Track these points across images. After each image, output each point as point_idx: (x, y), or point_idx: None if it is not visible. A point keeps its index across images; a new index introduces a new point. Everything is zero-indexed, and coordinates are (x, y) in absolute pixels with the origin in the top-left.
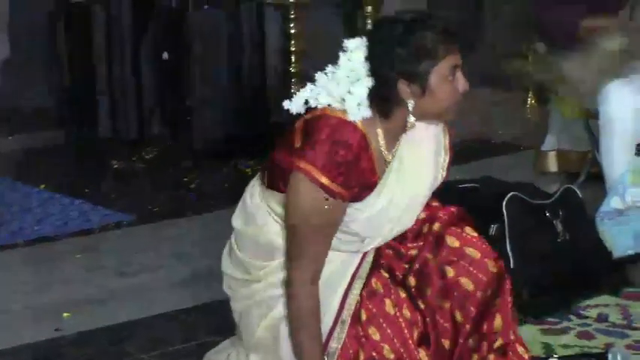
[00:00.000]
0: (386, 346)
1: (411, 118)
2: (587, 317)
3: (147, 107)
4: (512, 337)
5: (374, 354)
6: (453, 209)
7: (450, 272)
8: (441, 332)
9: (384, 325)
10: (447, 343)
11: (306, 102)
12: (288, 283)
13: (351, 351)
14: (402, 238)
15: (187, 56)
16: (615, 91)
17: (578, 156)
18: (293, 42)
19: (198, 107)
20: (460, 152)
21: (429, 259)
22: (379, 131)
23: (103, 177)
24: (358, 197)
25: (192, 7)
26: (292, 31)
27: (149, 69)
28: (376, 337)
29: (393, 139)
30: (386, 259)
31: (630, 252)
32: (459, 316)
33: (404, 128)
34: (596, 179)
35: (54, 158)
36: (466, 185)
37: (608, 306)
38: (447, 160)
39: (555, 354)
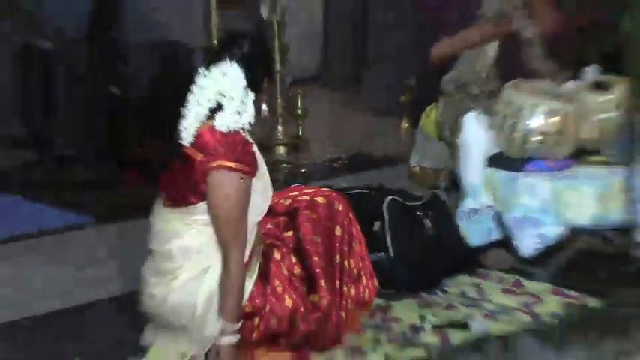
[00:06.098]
0: (286, 296)
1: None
2: (451, 293)
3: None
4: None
5: (273, 300)
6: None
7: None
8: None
9: (284, 282)
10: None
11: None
12: (227, 261)
13: (257, 300)
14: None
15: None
16: (471, 122)
17: (434, 173)
18: None
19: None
20: (349, 165)
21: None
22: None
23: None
24: (256, 171)
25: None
26: None
27: None
28: (280, 289)
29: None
30: (272, 232)
31: (483, 242)
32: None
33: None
34: (453, 190)
35: None
36: (360, 191)
37: (466, 284)
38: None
39: (429, 322)
